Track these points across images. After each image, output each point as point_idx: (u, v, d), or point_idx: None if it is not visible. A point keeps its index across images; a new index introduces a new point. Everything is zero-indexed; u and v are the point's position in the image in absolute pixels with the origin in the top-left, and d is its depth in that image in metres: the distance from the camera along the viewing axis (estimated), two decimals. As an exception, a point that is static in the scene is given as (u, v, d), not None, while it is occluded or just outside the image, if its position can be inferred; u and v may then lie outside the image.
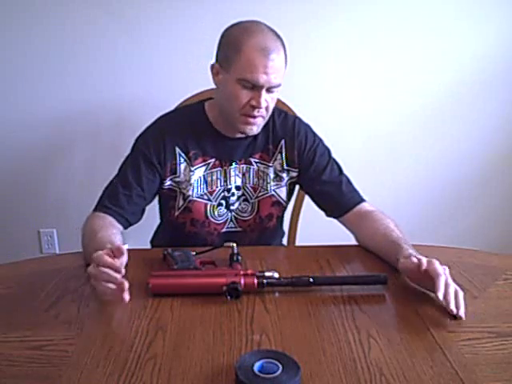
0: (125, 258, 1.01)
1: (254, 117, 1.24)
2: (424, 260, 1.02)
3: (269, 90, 1.21)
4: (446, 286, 0.98)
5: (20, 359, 0.85)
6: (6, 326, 0.95)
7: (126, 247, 1.00)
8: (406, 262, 1.07)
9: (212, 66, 1.27)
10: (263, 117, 1.26)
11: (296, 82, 1.96)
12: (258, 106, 1.21)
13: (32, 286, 1.09)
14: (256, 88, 1.20)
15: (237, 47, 1.19)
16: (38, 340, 0.90)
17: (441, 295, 0.96)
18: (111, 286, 0.95)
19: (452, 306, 0.95)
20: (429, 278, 1.00)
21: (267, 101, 1.22)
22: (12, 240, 2.15)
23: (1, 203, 2.12)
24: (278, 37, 1.22)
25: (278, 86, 1.23)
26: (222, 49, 1.24)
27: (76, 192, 2.05)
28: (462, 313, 0.96)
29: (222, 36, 1.24)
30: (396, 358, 0.85)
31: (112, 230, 1.19)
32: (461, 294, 0.98)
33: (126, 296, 0.96)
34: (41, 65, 1.94)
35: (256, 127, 1.27)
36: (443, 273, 0.99)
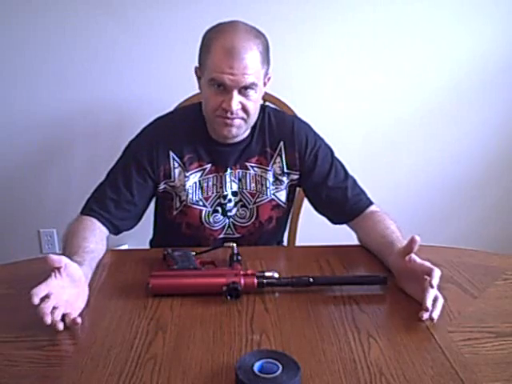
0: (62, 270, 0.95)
1: (230, 118, 1.20)
2: (417, 258, 1.02)
3: (243, 92, 1.18)
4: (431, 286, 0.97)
5: (20, 359, 0.85)
6: (6, 325, 0.95)
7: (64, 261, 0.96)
8: (397, 257, 1.07)
9: (195, 69, 1.27)
10: (243, 119, 1.21)
11: (295, 80, 1.97)
12: (229, 109, 1.17)
13: (32, 285, 1.09)
14: (226, 90, 1.17)
15: (208, 49, 1.18)
16: (37, 340, 0.90)
17: (434, 283, 0.95)
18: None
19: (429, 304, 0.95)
20: (414, 278, 1.01)
21: (242, 103, 1.18)
22: (12, 240, 2.16)
23: (1, 203, 2.12)
24: (256, 36, 1.18)
25: (252, 85, 1.17)
26: (199, 51, 1.23)
27: (76, 192, 2.04)
28: (434, 315, 0.95)
29: (202, 38, 1.23)
30: (396, 358, 0.85)
31: (84, 234, 1.16)
32: (440, 301, 0.97)
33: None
34: (40, 65, 1.94)
35: (235, 129, 1.22)
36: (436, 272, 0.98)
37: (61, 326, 0.90)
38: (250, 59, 1.15)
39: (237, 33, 1.17)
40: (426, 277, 0.98)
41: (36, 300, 0.88)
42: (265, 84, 1.26)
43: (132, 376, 0.81)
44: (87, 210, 1.25)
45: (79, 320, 0.92)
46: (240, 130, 1.24)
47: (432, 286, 0.96)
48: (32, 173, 2.09)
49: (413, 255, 1.02)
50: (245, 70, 1.15)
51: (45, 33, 1.90)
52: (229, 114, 1.19)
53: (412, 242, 1.02)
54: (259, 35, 1.20)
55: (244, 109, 1.20)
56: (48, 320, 0.88)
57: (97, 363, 0.84)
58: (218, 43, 1.16)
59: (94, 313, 0.99)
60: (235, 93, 1.17)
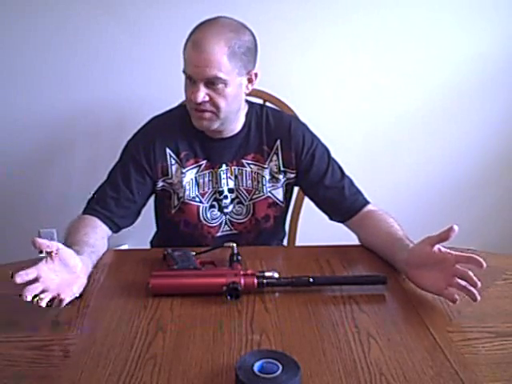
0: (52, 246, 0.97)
1: (199, 111, 1.22)
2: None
3: (210, 85, 1.19)
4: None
5: (20, 359, 0.85)
6: (6, 325, 0.95)
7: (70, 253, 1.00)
8: (423, 245, 1.04)
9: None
10: (213, 112, 1.22)
11: (295, 80, 1.97)
12: (194, 101, 1.19)
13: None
14: (194, 82, 1.19)
15: (186, 44, 1.21)
16: (37, 340, 0.90)
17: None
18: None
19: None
20: (440, 268, 1.00)
21: (211, 95, 1.19)
22: (12, 240, 2.15)
23: (1, 203, 2.12)
24: (231, 31, 1.18)
25: (216, 78, 1.17)
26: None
27: (76, 192, 2.04)
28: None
29: None
30: (396, 358, 0.85)
31: (85, 230, 1.17)
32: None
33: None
34: (41, 65, 1.94)
35: (206, 121, 1.23)
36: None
37: (43, 303, 0.90)
38: (214, 53, 1.15)
39: (210, 27, 1.19)
40: (458, 266, 0.98)
41: (18, 280, 0.88)
42: (250, 81, 1.26)
43: (132, 376, 0.81)
44: (89, 210, 1.27)
45: (65, 302, 0.93)
46: (212, 123, 1.24)
47: (482, 266, 0.94)
48: (33, 172, 2.09)
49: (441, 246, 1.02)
50: (206, 63, 1.16)
51: (45, 33, 1.90)
52: (196, 106, 1.21)
53: (450, 230, 1.00)
54: (238, 31, 1.19)
55: (213, 102, 1.21)
56: (28, 297, 0.87)
57: (97, 363, 0.84)
58: (190, 38, 1.20)
59: (94, 313, 0.99)
60: (201, 85, 1.19)
